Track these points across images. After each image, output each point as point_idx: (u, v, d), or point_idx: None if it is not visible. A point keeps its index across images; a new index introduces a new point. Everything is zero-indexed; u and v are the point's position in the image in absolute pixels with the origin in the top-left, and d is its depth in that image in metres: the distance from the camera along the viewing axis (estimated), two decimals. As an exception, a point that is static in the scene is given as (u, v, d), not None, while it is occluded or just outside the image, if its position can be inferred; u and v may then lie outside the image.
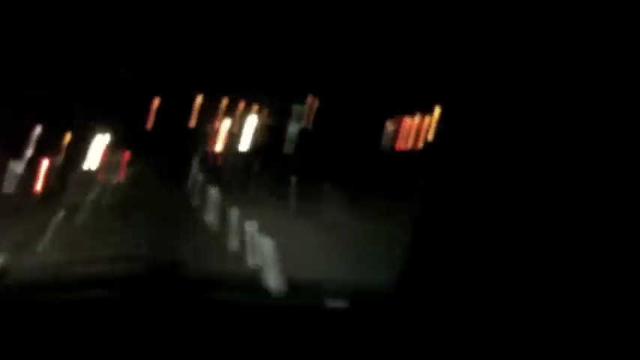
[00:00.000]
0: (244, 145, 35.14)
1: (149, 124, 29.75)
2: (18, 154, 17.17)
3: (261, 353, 1.41)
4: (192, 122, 33.88)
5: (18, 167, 16.31)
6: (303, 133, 35.57)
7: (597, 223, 1.71)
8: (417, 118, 27.78)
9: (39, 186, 15.67)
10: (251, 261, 9.09)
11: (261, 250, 9.26)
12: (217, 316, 1.71)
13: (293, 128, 36.14)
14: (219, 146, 34.43)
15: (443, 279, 1.80)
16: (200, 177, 23.29)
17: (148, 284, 1.90)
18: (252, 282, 2.03)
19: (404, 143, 27.54)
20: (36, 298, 1.78)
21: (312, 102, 37.08)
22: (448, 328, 1.47)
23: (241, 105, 39.06)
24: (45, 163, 17.14)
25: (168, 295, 1.80)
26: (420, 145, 26.19)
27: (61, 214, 13.15)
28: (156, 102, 31.45)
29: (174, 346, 1.41)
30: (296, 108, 40.11)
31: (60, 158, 18.92)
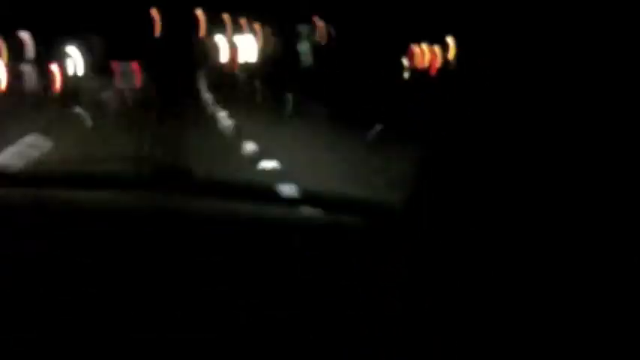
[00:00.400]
0: (248, 59, 35.04)
1: (156, 33, 29.89)
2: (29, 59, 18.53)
3: (267, 265, 1.47)
4: (199, 34, 33.61)
5: (30, 70, 17.73)
6: (305, 53, 35.60)
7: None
8: (424, 47, 27.88)
9: (57, 86, 17.83)
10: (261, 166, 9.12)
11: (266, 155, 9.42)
12: (224, 223, 1.75)
13: (296, 47, 35.95)
14: (224, 60, 34.35)
15: (454, 201, 1.73)
16: (207, 88, 23.70)
17: (155, 183, 1.85)
18: (265, 189, 2.12)
19: (408, 71, 27.72)
20: (42, 196, 1.81)
21: (317, 24, 36.86)
22: (457, 251, 1.51)
23: (245, 22, 38.61)
24: (55, 68, 18.26)
25: (175, 195, 1.81)
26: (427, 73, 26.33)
27: (78, 109, 14.34)
28: (160, 14, 31.37)
29: (178, 251, 1.50)
30: (302, 29, 39.92)
31: (71, 64, 19.81)
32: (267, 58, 35.83)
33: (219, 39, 34.30)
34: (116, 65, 32.71)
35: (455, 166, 1.74)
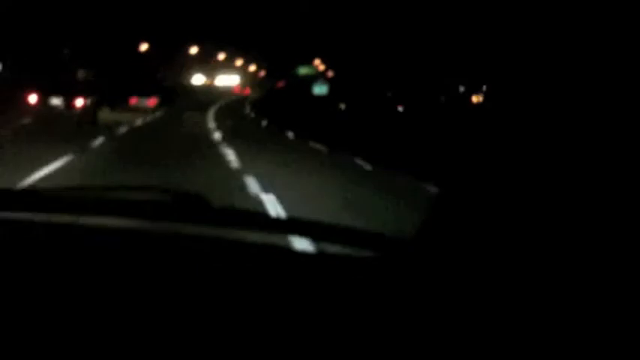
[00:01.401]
0: (251, 94, 38.97)
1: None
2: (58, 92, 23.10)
3: (280, 296, 1.40)
4: (209, 79, 37.96)
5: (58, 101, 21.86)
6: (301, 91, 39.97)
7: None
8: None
9: (90, 117, 21.63)
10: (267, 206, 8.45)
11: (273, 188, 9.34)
12: (239, 252, 1.66)
13: (293, 88, 40.39)
14: (229, 95, 38.08)
15: (464, 234, 1.76)
16: (215, 122, 25.92)
17: (174, 211, 1.78)
18: (281, 222, 2.11)
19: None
20: (60, 221, 1.75)
21: (318, 66, 40.78)
22: (466, 282, 1.43)
23: (249, 64, 42.86)
24: (80, 101, 22.34)
25: (193, 223, 1.75)
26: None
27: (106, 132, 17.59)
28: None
29: (192, 278, 1.46)
30: (302, 71, 44.41)
31: (97, 98, 23.79)
32: (270, 95, 39.52)
33: (224, 78, 37.90)
34: (134, 100, 36.03)
35: (467, 201, 1.66)
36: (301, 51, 59.98)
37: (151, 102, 38.58)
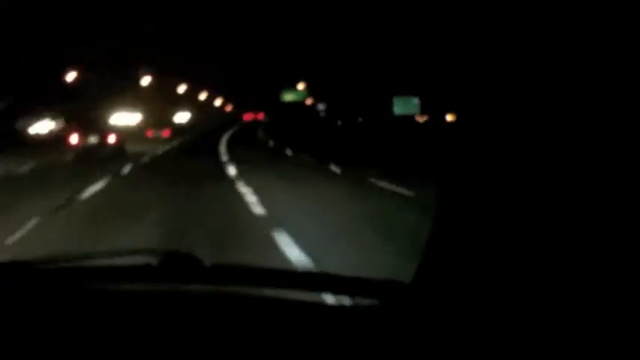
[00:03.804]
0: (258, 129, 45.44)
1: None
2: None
3: (270, 350, 1.38)
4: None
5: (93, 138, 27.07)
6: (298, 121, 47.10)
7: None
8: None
9: (121, 149, 26.87)
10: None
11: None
12: (233, 308, 1.61)
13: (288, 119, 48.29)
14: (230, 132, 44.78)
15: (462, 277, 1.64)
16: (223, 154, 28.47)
17: (165, 273, 1.71)
18: (274, 274, 1.87)
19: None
20: (52, 288, 1.73)
21: (310, 101, 48.62)
22: (465, 328, 1.42)
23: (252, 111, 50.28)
24: (113, 138, 27.05)
25: (182, 284, 1.70)
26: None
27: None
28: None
29: (184, 337, 1.43)
30: (287, 97, 53.02)
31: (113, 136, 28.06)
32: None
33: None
34: (150, 132, 41.74)
35: (461, 240, 1.71)
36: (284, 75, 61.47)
37: (165, 132, 43.05)
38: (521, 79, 2.02)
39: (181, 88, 62.48)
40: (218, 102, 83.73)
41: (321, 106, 60.76)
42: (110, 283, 1.79)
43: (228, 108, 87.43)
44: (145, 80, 53.32)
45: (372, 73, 40.92)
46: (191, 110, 63.60)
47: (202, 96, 73.49)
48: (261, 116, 71.68)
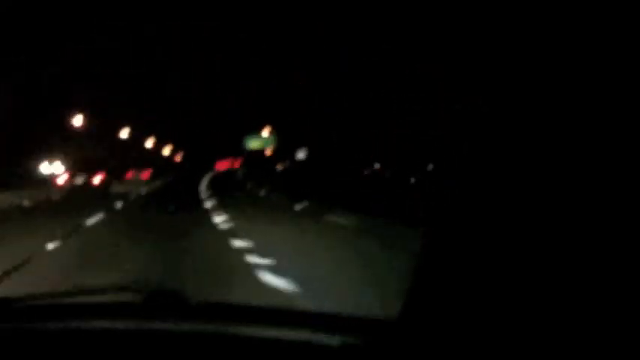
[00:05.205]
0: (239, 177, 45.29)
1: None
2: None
3: None
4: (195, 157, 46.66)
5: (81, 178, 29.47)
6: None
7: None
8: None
9: (106, 189, 28.82)
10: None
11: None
12: (214, 347, 1.58)
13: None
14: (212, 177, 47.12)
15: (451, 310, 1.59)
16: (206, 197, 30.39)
17: (147, 312, 1.70)
18: (256, 311, 1.85)
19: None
20: (37, 326, 1.69)
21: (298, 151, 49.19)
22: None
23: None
24: (98, 178, 28.77)
25: (166, 321, 1.67)
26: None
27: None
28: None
29: None
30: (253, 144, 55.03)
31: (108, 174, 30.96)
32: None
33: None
34: (130, 174, 43.87)
35: (444, 279, 1.65)
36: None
37: (144, 175, 42.94)
38: (521, 79, 2.00)
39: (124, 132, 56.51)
40: (167, 151, 75.90)
41: (301, 154, 53.80)
42: (94, 320, 1.76)
43: (178, 158, 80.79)
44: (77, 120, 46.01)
45: (371, 75, 38.75)
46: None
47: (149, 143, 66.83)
48: (237, 164, 63.30)
